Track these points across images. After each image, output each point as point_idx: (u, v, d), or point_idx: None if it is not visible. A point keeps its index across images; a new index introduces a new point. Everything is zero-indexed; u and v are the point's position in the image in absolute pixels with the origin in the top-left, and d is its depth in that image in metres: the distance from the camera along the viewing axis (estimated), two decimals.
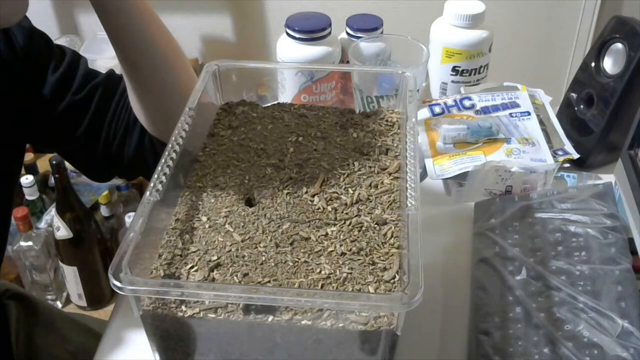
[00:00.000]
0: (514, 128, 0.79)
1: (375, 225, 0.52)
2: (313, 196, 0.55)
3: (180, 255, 0.50)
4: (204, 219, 0.54)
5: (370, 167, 0.58)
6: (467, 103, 0.82)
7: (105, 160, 0.78)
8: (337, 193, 0.55)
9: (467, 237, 0.72)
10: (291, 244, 0.51)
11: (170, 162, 0.54)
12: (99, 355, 0.64)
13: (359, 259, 0.49)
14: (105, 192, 1.66)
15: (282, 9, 1.74)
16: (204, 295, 0.45)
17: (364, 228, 0.52)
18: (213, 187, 0.57)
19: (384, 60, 0.86)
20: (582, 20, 1.75)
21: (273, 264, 0.49)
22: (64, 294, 1.63)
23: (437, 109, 0.82)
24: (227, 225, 0.53)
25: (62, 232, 1.47)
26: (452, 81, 0.91)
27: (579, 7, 1.73)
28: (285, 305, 0.46)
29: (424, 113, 0.81)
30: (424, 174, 0.75)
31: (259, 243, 0.51)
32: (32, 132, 0.76)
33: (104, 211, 1.67)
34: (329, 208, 0.54)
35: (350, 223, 0.52)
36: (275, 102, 0.69)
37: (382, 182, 0.56)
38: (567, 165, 0.81)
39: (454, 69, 0.90)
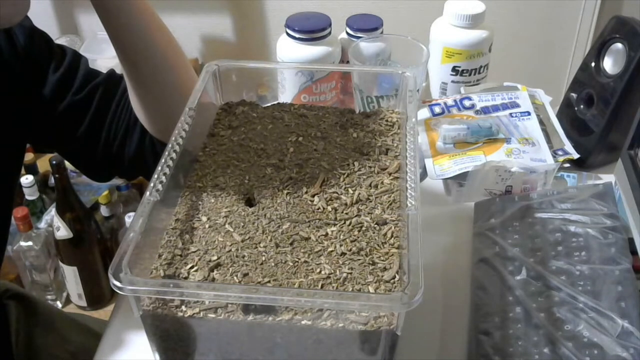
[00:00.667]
0: (514, 128, 0.79)
1: (375, 225, 0.52)
2: (313, 196, 0.55)
3: (180, 255, 0.50)
4: (204, 219, 0.54)
5: (370, 167, 0.58)
6: (467, 103, 0.82)
7: (105, 160, 0.78)
8: (337, 193, 0.55)
9: (467, 237, 0.72)
10: (291, 244, 0.51)
11: (170, 162, 0.54)
12: (99, 355, 0.64)
13: (359, 259, 0.49)
14: (105, 192, 1.66)
15: (282, 9, 1.74)
16: (204, 295, 0.45)
17: (364, 228, 0.52)
18: (213, 187, 0.57)
19: (384, 60, 0.86)
20: (582, 20, 1.75)
21: (273, 264, 0.49)
22: (64, 294, 1.63)
23: (437, 109, 0.82)
24: (227, 225, 0.53)
25: (62, 232, 1.47)
26: (452, 81, 0.91)
27: (579, 7, 1.73)
28: (285, 305, 0.46)
29: (424, 113, 0.81)
30: (424, 174, 0.75)
31: (259, 243, 0.51)
32: (32, 132, 0.76)
33: (104, 211, 1.67)
34: (329, 208, 0.54)
35: (350, 223, 0.52)
36: (275, 102, 0.69)
37: (382, 182, 0.56)
38: (567, 165, 0.81)
39: (454, 69, 0.90)
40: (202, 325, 0.48)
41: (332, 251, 0.50)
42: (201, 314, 0.47)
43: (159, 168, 0.53)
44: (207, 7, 1.80)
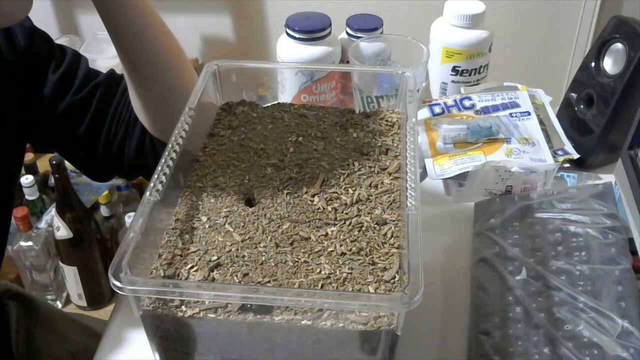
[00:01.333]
0: (514, 128, 0.79)
1: (375, 225, 0.52)
2: (313, 196, 0.55)
3: (180, 255, 0.50)
4: (204, 219, 0.54)
5: (370, 167, 0.58)
6: (467, 103, 0.82)
7: (105, 160, 0.78)
8: (337, 193, 0.55)
9: (467, 237, 0.72)
10: (291, 244, 0.51)
11: (170, 162, 0.54)
12: (99, 355, 0.64)
13: (359, 259, 0.49)
14: (105, 192, 1.65)
15: (282, 9, 1.74)
16: (204, 295, 0.45)
17: (364, 228, 0.52)
18: (213, 187, 0.57)
19: (384, 60, 0.86)
20: (582, 20, 1.75)
21: (273, 264, 0.49)
22: (64, 294, 1.63)
23: (437, 109, 0.82)
24: (227, 225, 0.53)
25: (62, 232, 1.47)
26: (452, 81, 0.91)
27: (579, 7, 1.73)
28: (285, 305, 0.46)
29: (424, 113, 0.81)
30: (424, 174, 0.75)
31: (259, 243, 0.51)
32: (33, 132, 0.76)
33: (104, 211, 1.67)
34: (329, 208, 0.54)
35: (350, 223, 0.52)
36: (275, 102, 0.69)
37: (382, 182, 0.56)
38: (567, 165, 0.81)
39: (454, 69, 0.90)
40: (202, 325, 0.48)
41: (332, 251, 0.50)
42: (201, 314, 0.47)
43: (159, 168, 0.53)
44: (207, 7, 1.80)
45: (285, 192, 0.55)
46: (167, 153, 0.55)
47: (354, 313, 0.46)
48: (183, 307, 0.47)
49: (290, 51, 0.88)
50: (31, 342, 0.87)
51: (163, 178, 0.52)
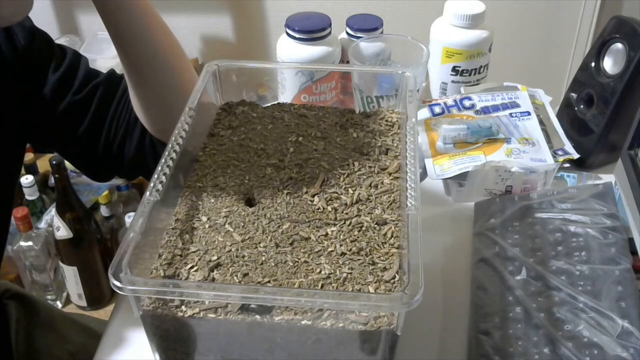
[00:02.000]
0: (514, 128, 0.79)
1: (375, 225, 0.52)
2: (313, 196, 0.55)
3: (180, 255, 0.50)
4: (204, 219, 0.54)
5: (370, 167, 0.58)
6: (467, 103, 0.82)
7: (105, 160, 0.78)
8: (337, 193, 0.55)
9: (467, 237, 0.72)
10: (291, 244, 0.51)
11: (170, 162, 0.54)
12: (99, 355, 0.64)
13: (359, 259, 0.49)
14: (105, 192, 1.65)
15: (282, 9, 1.74)
16: (204, 295, 0.45)
17: (364, 228, 0.52)
18: (213, 187, 0.57)
19: (384, 60, 0.86)
20: (582, 20, 1.75)
21: (273, 264, 0.49)
22: (64, 294, 1.63)
23: (437, 109, 0.82)
24: (227, 225, 0.53)
25: (62, 232, 1.47)
26: (452, 81, 0.91)
27: (579, 7, 1.73)
28: (285, 305, 0.46)
29: (424, 113, 0.81)
30: (424, 174, 0.75)
31: (259, 243, 0.51)
32: (33, 132, 0.76)
33: (104, 211, 1.67)
34: (329, 208, 0.54)
35: (350, 223, 0.52)
36: (275, 102, 0.69)
37: (382, 182, 0.56)
38: (567, 165, 0.81)
39: (454, 69, 0.90)
40: (202, 325, 0.48)
41: (332, 251, 0.50)
42: (201, 314, 0.47)
43: (159, 168, 0.53)
44: (207, 7, 1.80)
45: (285, 192, 0.55)
46: (167, 153, 0.55)
47: (354, 313, 0.46)
48: (183, 307, 0.47)
49: (290, 51, 0.88)
50: (31, 342, 0.87)
51: (163, 178, 0.52)
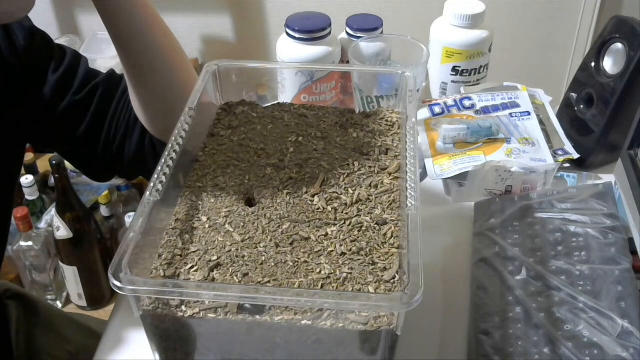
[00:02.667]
0: (514, 128, 0.79)
1: (375, 225, 0.52)
2: (313, 196, 0.55)
3: (180, 255, 0.50)
4: (204, 219, 0.54)
5: (370, 167, 0.58)
6: (467, 103, 0.82)
7: (105, 160, 0.78)
8: (337, 193, 0.55)
9: (467, 237, 0.72)
10: (291, 244, 0.51)
11: (170, 162, 0.54)
12: (99, 355, 0.64)
13: (359, 259, 0.49)
14: (105, 192, 1.65)
15: (282, 9, 1.74)
16: (204, 295, 0.45)
17: (364, 228, 0.52)
18: (213, 187, 0.57)
19: (384, 60, 0.86)
20: (582, 20, 1.75)
21: (273, 264, 0.49)
22: (64, 294, 1.63)
23: (437, 109, 0.82)
24: (227, 225, 0.53)
25: (62, 232, 1.47)
26: (452, 81, 0.91)
27: (579, 7, 1.73)
28: (285, 305, 0.46)
29: (424, 113, 0.81)
30: (424, 174, 0.75)
31: (259, 243, 0.51)
32: (32, 132, 0.76)
33: (104, 211, 1.67)
34: (329, 208, 0.54)
35: (350, 223, 0.52)
36: (275, 102, 0.69)
37: (382, 182, 0.56)
38: (567, 165, 0.81)
39: (454, 69, 0.90)
40: (202, 325, 0.48)
41: (332, 251, 0.50)
42: (201, 314, 0.47)
43: (159, 168, 0.53)
44: (207, 7, 1.80)
45: (285, 192, 0.55)
46: (167, 153, 0.55)
47: (354, 313, 0.46)
48: (183, 307, 0.47)
49: (290, 51, 0.88)
50: (31, 342, 0.87)
51: (163, 178, 0.52)
